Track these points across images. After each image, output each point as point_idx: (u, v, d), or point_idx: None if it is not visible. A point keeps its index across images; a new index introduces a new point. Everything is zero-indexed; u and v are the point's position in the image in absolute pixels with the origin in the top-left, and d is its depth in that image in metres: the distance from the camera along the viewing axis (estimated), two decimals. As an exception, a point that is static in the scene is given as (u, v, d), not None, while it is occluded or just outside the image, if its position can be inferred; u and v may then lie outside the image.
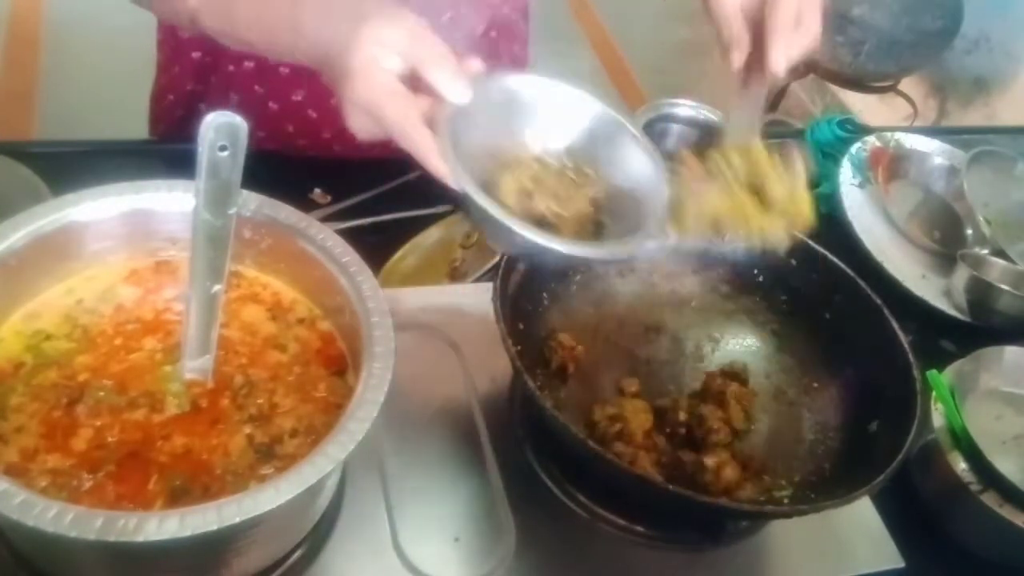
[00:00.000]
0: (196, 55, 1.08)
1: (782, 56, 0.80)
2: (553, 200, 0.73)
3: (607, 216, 0.76)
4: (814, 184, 1.27)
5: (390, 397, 0.60)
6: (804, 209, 0.76)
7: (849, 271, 0.85)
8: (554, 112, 0.77)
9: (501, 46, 1.13)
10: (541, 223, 0.71)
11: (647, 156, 0.77)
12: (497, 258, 0.78)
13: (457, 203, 1.02)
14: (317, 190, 1.06)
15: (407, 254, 1.01)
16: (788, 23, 0.80)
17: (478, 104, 0.71)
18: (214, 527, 0.51)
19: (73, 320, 0.67)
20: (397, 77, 0.69)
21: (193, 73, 1.10)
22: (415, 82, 0.70)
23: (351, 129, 0.72)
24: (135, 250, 0.72)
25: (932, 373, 0.87)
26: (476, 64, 0.73)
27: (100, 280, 0.70)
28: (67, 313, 0.68)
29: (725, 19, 0.82)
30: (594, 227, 0.75)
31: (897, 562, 0.79)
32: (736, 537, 0.78)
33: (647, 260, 0.90)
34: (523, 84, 0.77)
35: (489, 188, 0.70)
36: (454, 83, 0.69)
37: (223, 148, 0.56)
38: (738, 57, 0.81)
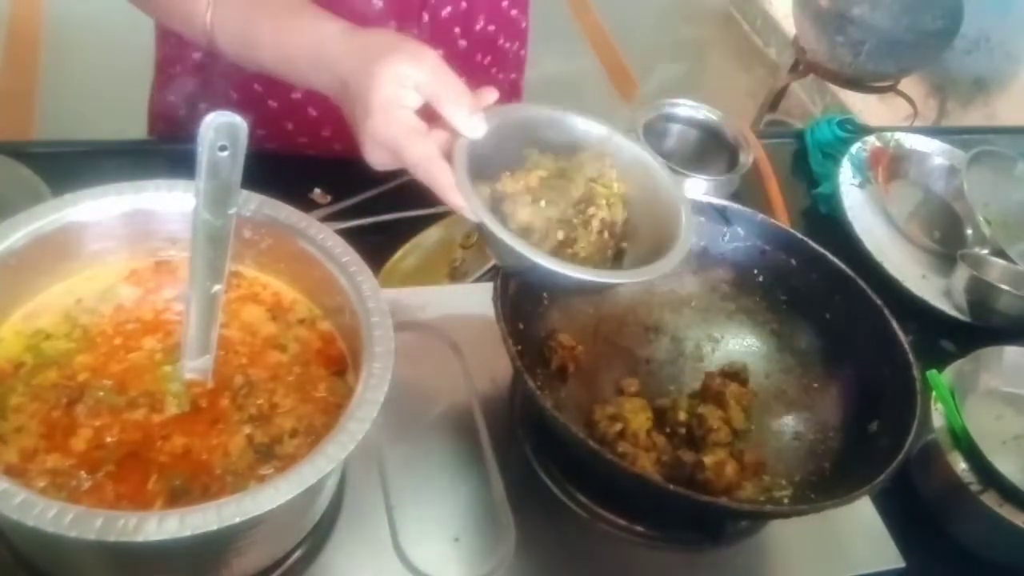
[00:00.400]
0: (196, 55, 1.09)
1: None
2: (568, 228, 0.74)
3: (627, 240, 0.77)
4: (814, 184, 1.27)
5: (390, 397, 0.60)
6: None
7: (849, 271, 0.85)
8: (568, 139, 0.79)
9: (500, 41, 1.13)
10: (558, 250, 0.72)
11: (666, 183, 0.78)
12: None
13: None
14: (317, 190, 1.06)
15: (407, 254, 1.01)
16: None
17: (494, 133, 0.73)
18: (214, 527, 0.51)
19: (73, 320, 0.67)
20: (415, 112, 0.72)
21: (192, 72, 1.10)
22: (430, 112, 0.73)
23: (369, 161, 0.75)
24: (135, 250, 0.72)
25: (932, 373, 0.87)
26: (491, 95, 0.75)
27: (100, 280, 0.70)
28: (67, 313, 0.68)
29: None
30: (614, 253, 0.76)
31: (897, 562, 0.79)
32: (736, 537, 0.78)
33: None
34: (538, 113, 0.79)
35: (504, 216, 0.72)
36: (470, 120, 0.71)
37: (223, 148, 0.56)
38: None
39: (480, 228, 0.70)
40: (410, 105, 0.73)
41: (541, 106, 0.80)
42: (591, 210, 0.75)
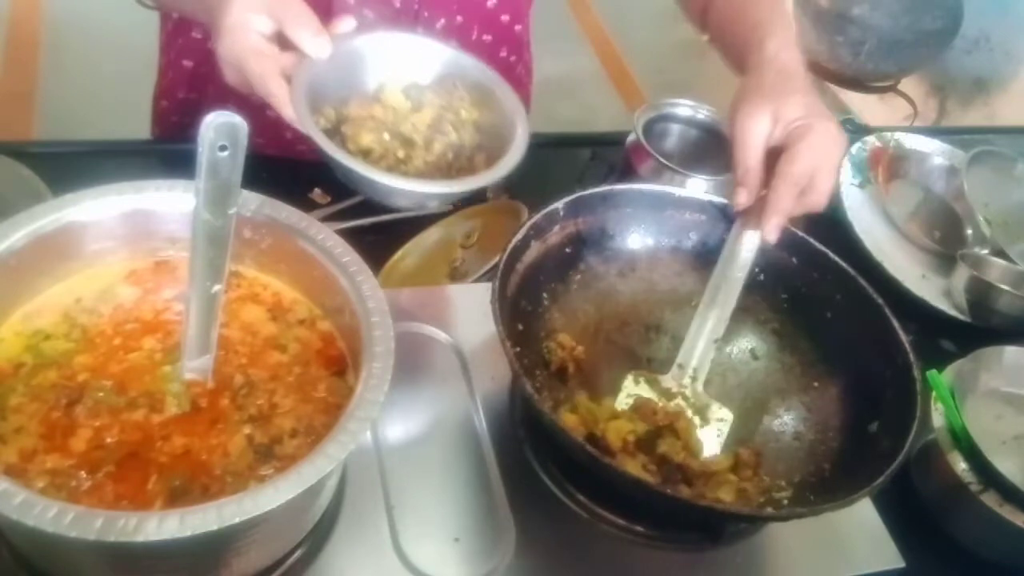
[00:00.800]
0: (188, 63, 1.09)
1: (775, 227, 0.81)
2: (408, 146, 0.80)
3: (472, 161, 0.83)
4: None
5: (390, 397, 0.60)
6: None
7: (850, 270, 0.85)
8: (414, 61, 0.85)
9: (502, 53, 1.13)
10: (395, 166, 0.79)
11: (506, 96, 0.84)
12: (497, 258, 0.78)
13: (457, 203, 1.03)
14: (317, 190, 1.06)
15: (407, 254, 1.01)
16: (794, 190, 0.80)
17: (343, 58, 0.79)
18: (214, 527, 0.51)
19: (72, 320, 0.67)
20: (264, 36, 0.77)
21: (186, 81, 1.10)
22: (283, 40, 0.77)
23: (225, 80, 0.80)
24: (135, 250, 0.71)
25: (932, 373, 0.87)
26: (348, 23, 0.81)
27: (99, 280, 0.70)
28: (66, 313, 0.68)
29: (743, 149, 0.82)
30: (456, 173, 0.82)
31: (897, 562, 0.79)
32: (736, 537, 0.78)
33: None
34: (386, 38, 0.85)
35: (345, 137, 0.78)
36: (313, 40, 0.77)
37: (223, 148, 0.56)
38: (744, 198, 0.82)
39: (318, 149, 0.75)
40: (259, 28, 0.77)
41: (398, 33, 0.86)
42: (436, 135, 0.81)
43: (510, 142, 0.81)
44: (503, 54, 1.13)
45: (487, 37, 1.09)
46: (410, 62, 0.85)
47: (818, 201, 0.81)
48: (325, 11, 0.98)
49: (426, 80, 0.85)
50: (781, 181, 0.79)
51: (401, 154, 0.80)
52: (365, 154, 0.78)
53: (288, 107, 0.75)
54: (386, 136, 0.80)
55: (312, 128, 0.73)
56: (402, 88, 0.84)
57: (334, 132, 0.78)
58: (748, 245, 0.84)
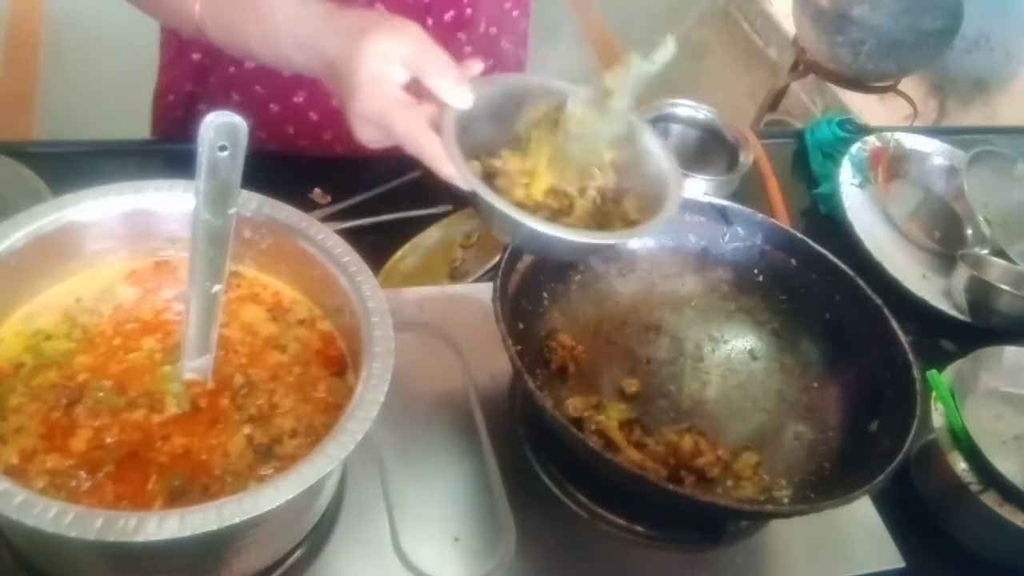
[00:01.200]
0: (196, 56, 1.08)
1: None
2: (562, 198, 0.75)
3: (620, 203, 0.78)
4: (814, 184, 1.27)
5: (390, 397, 0.60)
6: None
7: (849, 271, 0.85)
8: (546, 102, 0.79)
9: (502, 43, 1.13)
10: (553, 219, 0.73)
11: (658, 146, 0.79)
12: (497, 258, 0.78)
13: (458, 202, 1.03)
14: (317, 190, 1.06)
15: (407, 254, 1.01)
16: None
17: (482, 103, 0.74)
18: (214, 527, 0.51)
19: (72, 320, 0.67)
20: (401, 87, 0.73)
21: (193, 74, 1.10)
22: (418, 87, 0.73)
23: (359, 139, 0.75)
24: (135, 250, 0.72)
25: (932, 373, 0.87)
26: (477, 66, 0.76)
27: (100, 280, 0.70)
28: (66, 313, 0.68)
29: None
30: (605, 218, 0.77)
31: (897, 562, 0.79)
32: (736, 537, 0.78)
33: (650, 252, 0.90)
34: (525, 83, 0.80)
35: (496, 184, 0.73)
36: (456, 90, 0.72)
37: (223, 148, 0.56)
38: None
39: (473, 198, 0.70)
40: (396, 80, 0.73)
41: (529, 75, 0.82)
42: (587, 182, 0.76)
43: (656, 178, 0.78)
44: (503, 44, 1.14)
45: (493, 30, 1.09)
46: (542, 104, 0.80)
47: None
48: (338, 1, 0.98)
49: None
50: None
51: (557, 205, 0.76)
52: (521, 206, 0.73)
53: (446, 163, 0.71)
54: (539, 191, 0.75)
55: (477, 184, 0.70)
56: (548, 132, 0.78)
57: (487, 184, 0.74)
58: None
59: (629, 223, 0.76)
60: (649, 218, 0.75)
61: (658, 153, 0.79)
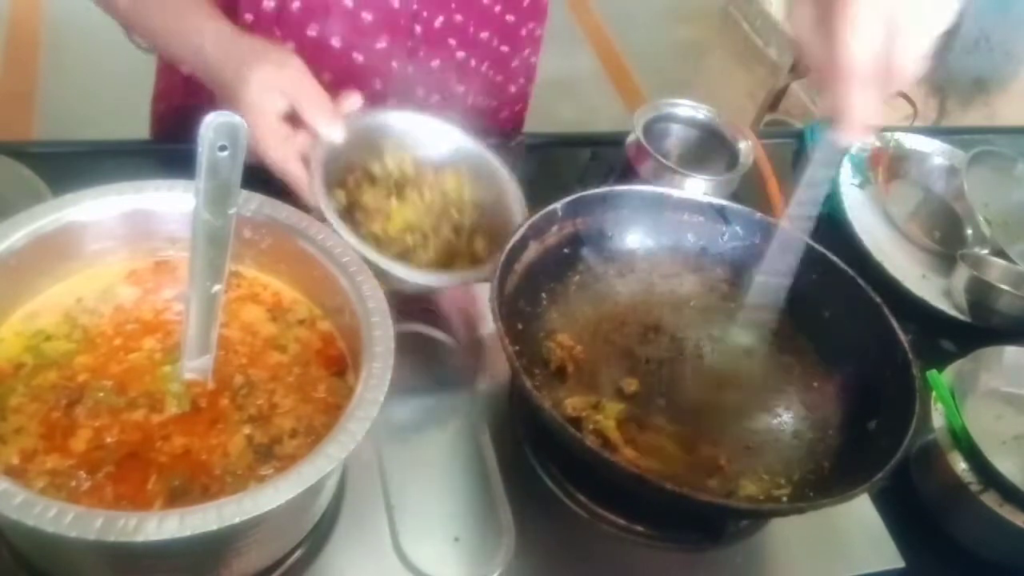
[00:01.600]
0: (185, 78, 1.09)
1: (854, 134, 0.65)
2: (418, 235, 0.83)
3: (472, 244, 0.86)
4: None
5: (390, 397, 0.60)
6: None
7: (849, 271, 0.85)
8: (417, 139, 0.89)
9: (498, 46, 1.13)
10: (407, 253, 0.82)
11: (507, 181, 0.89)
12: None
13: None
14: (317, 190, 1.05)
15: (407, 254, 1.01)
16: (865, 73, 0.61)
17: (352, 137, 0.82)
18: (214, 527, 0.51)
19: (73, 320, 0.67)
20: (280, 116, 0.80)
21: (184, 86, 1.10)
22: (296, 117, 0.81)
23: None
24: (135, 250, 0.72)
25: (932, 373, 0.87)
26: (355, 99, 0.84)
27: (100, 280, 0.70)
28: (67, 313, 0.68)
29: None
30: (454, 256, 0.85)
31: (897, 562, 0.79)
32: (736, 537, 0.78)
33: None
34: (394, 119, 0.89)
35: (357, 223, 0.81)
36: (329, 125, 0.80)
37: (223, 148, 0.56)
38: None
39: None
40: (274, 110, 0.80)
41: (399, 112, 0.90)
42: (442, 220, 0.85)
43: (508, 220, 0.85)
44: (500, 47, 1.13)
45: (484, 34, 1.09)
46: (413, 140, 0.89)
47: (903, 69, 0.61)
48: (323, 12, 0.98)
49: (429, 156, 0.89)
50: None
51: (410, 241, 0.83)
52: (376, 239, 0.81)
53: (307, 192, 0.78)
54: (394, 228, 0.82)
55: (332, 215, 0.76)
56: (409, 168, 0.87)
57: (346, 215, 0.81)
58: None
59: (475, 262, 0.84)
60: (487, 262, 0.82)
61: (512, 192, 0.88)
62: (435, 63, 1.06)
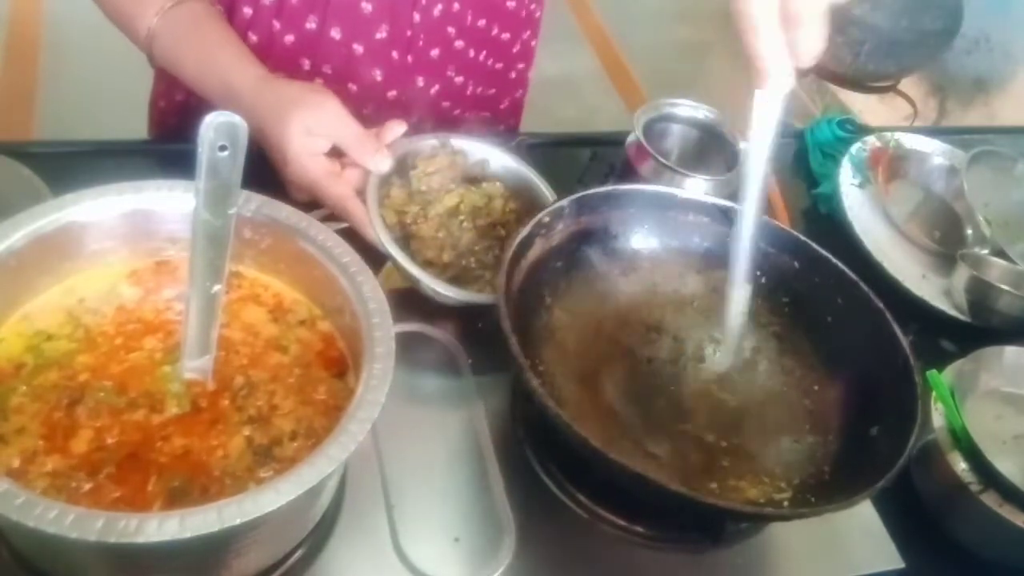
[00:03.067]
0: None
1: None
2: (472, 257, 0.87)
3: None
4: (814, 184, 1.27)
5: (390, 397, 0.60)
6: None
7: (851, 274, 0.85)
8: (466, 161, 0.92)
9: (496, 33, 1.13)
10: (462, 272, 0.85)
11: (543, 192, 0.91)
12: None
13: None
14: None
15: (407, 254, 1.01)
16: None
17: (398, 163, 0.86)
18: (215, 528, 0.51)
19: (75, 320, 0.67)
20: (326, 156, 0.84)
21: (185, 86, 1.10)
22: (340, 152, 0.85)
23: (291, 198, 0.85)
24: (135, 250, 0.71)
25: (932, 373, 0.87)
26: (399, 127, 0.87)
27: (101, 280, 0.70)
28: (69, 313, 0.68)
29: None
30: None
31: (897, 562, 0.79)
32: (736, 538, 0.78)
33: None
34: (430, 143, 0.91)
35: (413, 253, 0.84)
36: (375, 159, 0.84)
37: (223, 148, 0.56)
38: None
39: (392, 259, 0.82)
40: (321, 151, 0.84)
41: (436, 136, 0.92)
42: (487, 240, 0.88)
43: None
44: (500, 35, 1.14)
45: (482, 22, 1.09)
46: (454, 161, 0.91)
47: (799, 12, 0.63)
48: (322, 3, 0.98)
49: (469, 174, 0.92)
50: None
51: (464, 263, 0.86)
52: (432, 266, 0.84)
53: (369, 228, 0.81)
54: (447, 255, 0.86)
55: (394, 249, 0.81)
56: (456, 195, 0.89)
57: (401, 243, 0.84)
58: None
59: None
60: None
61: (546, 196, 0.91)
62: (434, 52, 1.06)
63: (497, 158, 0.94)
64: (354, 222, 0.83)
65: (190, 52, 0.91)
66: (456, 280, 0.84)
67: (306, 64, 1.03)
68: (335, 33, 1.00)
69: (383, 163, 0.84)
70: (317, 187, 0.84)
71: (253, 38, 1.01)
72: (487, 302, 0.81)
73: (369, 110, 1.02)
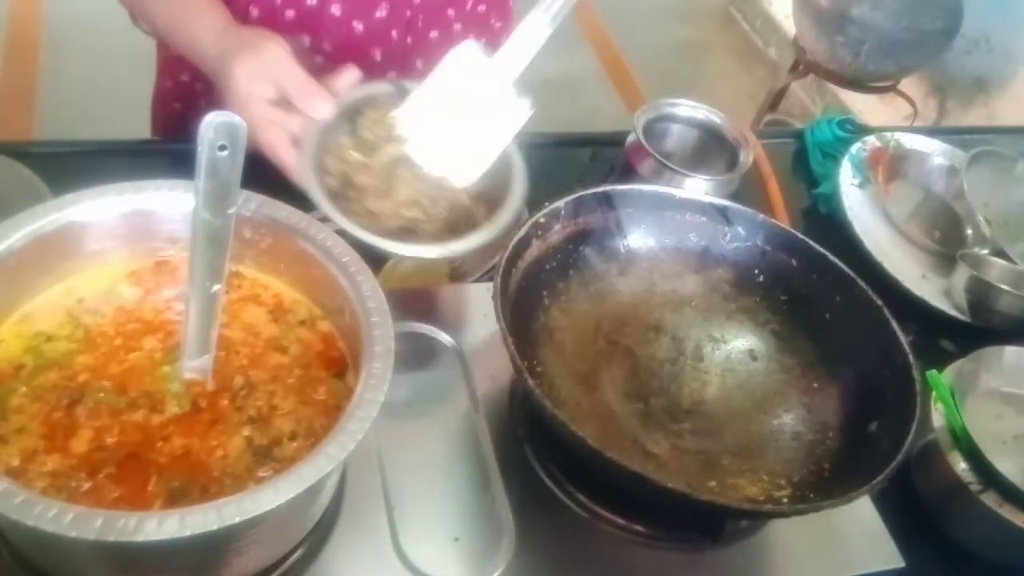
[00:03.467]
0: (185, 78, 1.10)
1: None
2: (417, 208, 0.82)
3: (481, 207, 0.83)
4: (814, 184, 1.27)
5: (390, 397, 0.60)
6: None
7: (850, 271, 0.85)
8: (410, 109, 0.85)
9: (492, 21, 1.13)
10: (407, 226, 0.81)
11: (512, 158, 0.85)
12: (497, 258, 0.78)
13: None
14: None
15: (407, 254, 1.01)
16: None
17: (345, 109, 0.82)
18: (214, 527, 0.51)
19: (75, 320, 0.67)
20: (269, 103, 0.81)
21: (194, 77, 1.10)
22: (287, 101, 0.82)
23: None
24: (135, 250, 0.71)
25: (932, 373, 0.87)
26: (352, 74, 0.84)
27: (101, 280, 0.70)
28: (68, 313, 0.68)
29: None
30: (465, 224, 0.82)
31: (897, 562, 0.79)
32: (736, 537, 0.78)
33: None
34: (385, 89, 0.87)
35: (351, 200, 0.81)
36: (316, 106, 0.81)
37: (222, 148, 0.56)
38: None
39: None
40: (262, 96, 0.81)
41: (388, 82, 0.87)
42: (439, 191, 0.83)
43: (506, 188, 0.83)
44: (494, 23, 1.14)
45: (482, 8, 1.10)
46: (406, 110, 0.85)
47: None
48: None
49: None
50: None
51: (410, 215, 0.82)
52: (372, 216, 0.80)
53: (298, 175, 0.79)
54: (390, 204, 0.82)
55: (321, 199, 0.78)
56: (403, 147, 0.84)
57: (340, 192, 0.81)
58: None
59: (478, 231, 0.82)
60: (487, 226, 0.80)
61: (512, 156, 0.85)
62: (433, 34, 1.07)
63: None
64: (284, 169, 0.81)
65: (163, 5, 0.92)
66: (401, 233, 0.80)
67: (306, 40, 1.03)
68: (335, 9, 1.01)
69: (323, 109, 0.81)
70: (253, 133, 0.78)
71: (254, 12, 1.01)
72: (431, 256, 0.79)
73: None
